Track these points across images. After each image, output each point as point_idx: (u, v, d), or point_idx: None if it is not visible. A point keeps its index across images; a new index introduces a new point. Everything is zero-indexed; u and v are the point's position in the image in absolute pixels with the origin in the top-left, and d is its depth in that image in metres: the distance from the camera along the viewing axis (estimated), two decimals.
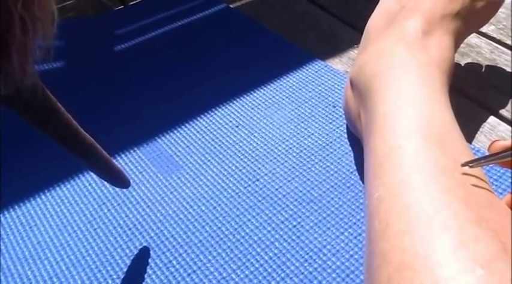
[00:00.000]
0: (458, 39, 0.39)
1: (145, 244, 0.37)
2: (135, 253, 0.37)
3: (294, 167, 0.41)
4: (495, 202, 0.26)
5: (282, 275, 0.34)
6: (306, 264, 0.34)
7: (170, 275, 0.35)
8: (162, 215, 0.39)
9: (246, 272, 0.34)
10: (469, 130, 0.41)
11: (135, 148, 0.44)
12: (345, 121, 0.44)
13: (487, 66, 0.48)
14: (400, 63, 0.35)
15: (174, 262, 0.36)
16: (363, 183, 0.38)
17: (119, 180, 0.34)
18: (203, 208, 0.39)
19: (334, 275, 0.33)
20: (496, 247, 0.23)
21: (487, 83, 0.46)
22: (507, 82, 0.45)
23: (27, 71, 0.22)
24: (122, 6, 0.64)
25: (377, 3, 0.44)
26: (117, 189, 0.41)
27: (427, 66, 0.34)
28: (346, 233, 0.36)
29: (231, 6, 0.61)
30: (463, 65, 0.48)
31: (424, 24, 0.37)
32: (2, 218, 0.40)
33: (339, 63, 0.51)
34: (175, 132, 0.45)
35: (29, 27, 0.21)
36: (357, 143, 0.41)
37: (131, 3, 0.64)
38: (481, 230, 0.23)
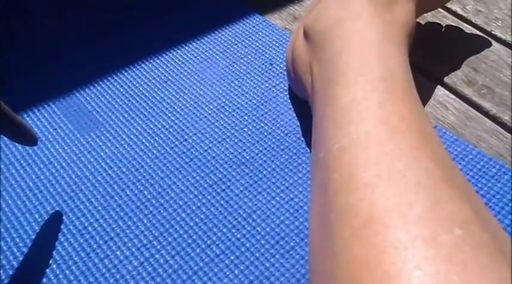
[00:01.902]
0: (418, 10, 0.38)
1: (57, 208, 0.33)
2: (46, 218, 0.33)
3: (225, 127, 0.38)
4: (456, 166, 0.26)
5: (208, 242, 0.31)
6: (233, 230, 0.32)
7: (85, 242, 0.32)
8: (77, 177, 0.35)
9: (169, 239, 0.31)
10: None
11: (49, 102, 0.40)
12: (281, 79, 0.41)
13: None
14: (366, 16, 0.32)
15: (90, 228, 0.32)
16: (307, 146, 0.36)
17: (24, 136, 0.30)
18: (124, 170, 0.35)
19: (263, 241, 0.31)
20: (469, 208, 0.22)
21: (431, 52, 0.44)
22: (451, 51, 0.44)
23: None
24: None
25: None
26: (26, 148, 0.37)
27: (392, 24, 0.33)
28: (277, 198, 0.33)
29: None
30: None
31: None
32: None
33: (278, 19, 0.48)
34: (95, 85, 0.41)
35: None
36: (296, 104, 0.39)
37: None
38: (453, 190, 0.22)
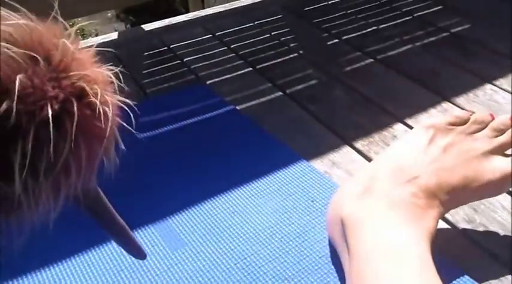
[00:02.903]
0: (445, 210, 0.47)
1: None
2: None
3: (275, 249, 0.51)
4: None
5: None
6: None
7: None
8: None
9: None
10: None
11: (150, 225, 0.55)
12: (320, 214, 0.55)
13: None
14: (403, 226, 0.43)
15: None
16: (336, 268, 0.48)
17: (138, 251, 0.45)
18: (200, 279, 0.49)
19: None
20: None
21: None
22: None
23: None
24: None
25: (357, 114, 0.56)
26: (133, 258, 0.51)
27: (422, 231, 0.42)
28: None
29: (237, 108, 0.74)
30: None
31: (423, 196, 0.44)
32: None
33: (319, 164, 0.62)
34: (184, 213, 0.56)
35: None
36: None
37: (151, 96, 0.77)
38: None
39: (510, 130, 0.48)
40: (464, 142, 0.47)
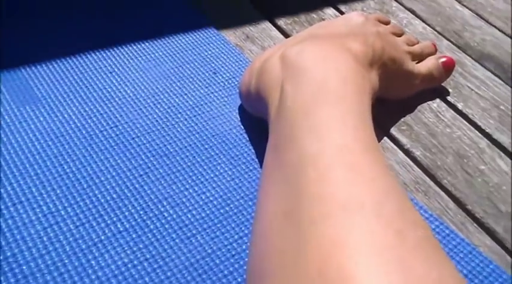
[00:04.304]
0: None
1: None
2: None
3: (157, 120, 0.40)
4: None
5: (114, 218, 0.33)
6: (141, 212, 0.33)
7: None
8: (2, 143, 0.36)
9: (77, 211, 0.33)
10: None
11: None
12: (221, 88, 0.44)
13: None
14: (348, 73, 0.35)
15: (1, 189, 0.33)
16: (228, 149, 0.38)
17: None
18: (49, 143, 0.37)
19: (167, 225, 0.33)
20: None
21: None
22: None
23: None
24: None
25: None
26: None
27: (366, 81, 0.36)
28: (190, 190, 0.35)
29: None
30: None
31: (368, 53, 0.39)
32: None
33: (232, 35, 0.51)
34: (42, 65, 0.43)
35: None
36: (230, 114, 0.41)
37: None
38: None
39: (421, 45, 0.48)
40: (391, 37, 0.44)
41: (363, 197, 0.25)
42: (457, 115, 0.46)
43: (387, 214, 0.25)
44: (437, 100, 0.47)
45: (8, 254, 0.30)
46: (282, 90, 0.34)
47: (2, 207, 0.32)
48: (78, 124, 0.38)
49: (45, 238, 0.31)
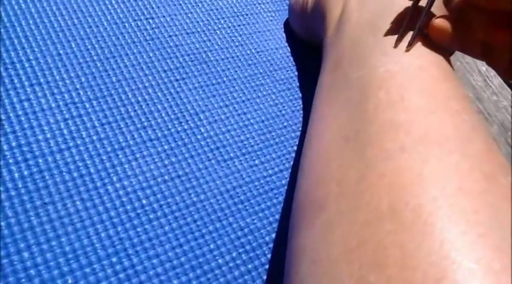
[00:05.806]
0: None
1: None
2: None
3: (198, 22, 0.35)
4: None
5: (145, 123, 0.29)
6: (175, 122, 0.29)
7: (15, 80, 0.27)
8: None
9: (104, 107, 0.28)
10: None
11: None
12: (269, 1, 0.38)
13: None
14: None
15: (20, 66, 0.28)
16: (274, 69, 0.34)
17: None
18: (75, 21, 0.31)
19: (202, 142, 0.29)
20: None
21: None
22: None
23: None
24: None
25: None
26: None
27: None
28: (230, 107, 0.31)
29: None
30: None
31: None
32: None
33: None
34: None
35: None
36: (276, 32, 0.37)
37: None
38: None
39: None
40: None
41: (446, 130, 0.21)
42: (505, 85, 0.43)
43: (475, 154, 0.21)
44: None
45: (22, 142, 0.26)
46: (345, 4, 0.30)
47: (18, 85, 0.27)
48: (109, 7, 0.33)
49: (65, 131, 0.27)
